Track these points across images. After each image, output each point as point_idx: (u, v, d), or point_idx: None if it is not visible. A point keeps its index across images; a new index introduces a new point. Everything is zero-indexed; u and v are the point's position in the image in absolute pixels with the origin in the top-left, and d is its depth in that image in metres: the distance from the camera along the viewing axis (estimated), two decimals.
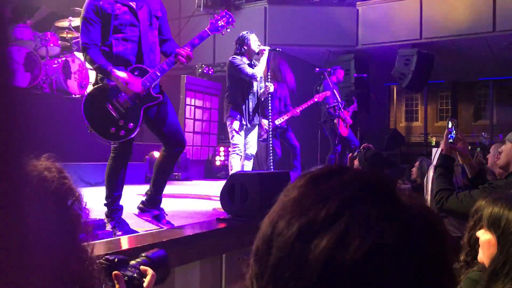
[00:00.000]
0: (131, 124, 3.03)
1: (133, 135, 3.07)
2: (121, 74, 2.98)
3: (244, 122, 4.66)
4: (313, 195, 0.56)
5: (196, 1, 8.82)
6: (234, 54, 4.76)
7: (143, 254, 1.41)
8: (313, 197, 0.56)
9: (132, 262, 1.35)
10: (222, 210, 3.49)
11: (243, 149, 4.69)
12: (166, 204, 3.54)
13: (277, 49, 5.13)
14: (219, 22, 3.51)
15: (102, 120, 3.00)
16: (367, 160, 3.90)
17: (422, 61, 8.16)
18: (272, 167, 4.87)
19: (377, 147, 8.71)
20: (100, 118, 3.00)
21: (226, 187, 3.36)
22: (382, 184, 0.57)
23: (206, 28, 3.46)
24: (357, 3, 8.77)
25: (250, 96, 4.71)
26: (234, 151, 4.67)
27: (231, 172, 4.59)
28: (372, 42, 8.69)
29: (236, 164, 4.65)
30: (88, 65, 6.07)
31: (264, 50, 4.72)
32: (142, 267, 1.35)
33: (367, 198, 0.54)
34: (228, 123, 4.72)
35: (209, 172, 8.58)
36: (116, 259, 1.30)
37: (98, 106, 3.01)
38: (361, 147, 4.26)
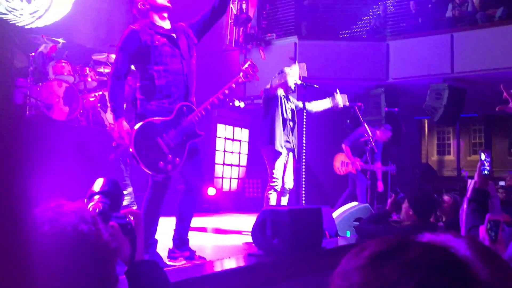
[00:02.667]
0: (178, 159, 3.07)
1: (177, 170, 3.10)
2: (124, 126, 3.01)
3: (283, 154, 4.60)
4: (379, 281, 0.49)
5: (228, 37, 9.05)
6: (273, 85, 4.79)
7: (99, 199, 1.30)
8: (378, 284, 0.49)
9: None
10: (253, 245, 3.49)
11: (281, 184, 4.64)
12: (196, 237, 3.56)
13: (315, 85, 5.06)
14: (248, 70, 3.47)
15: (151, 154, 3.01)
16: (420, 204, 3.71)
17: (454, 95, 8.09)
18: (303, 200, 4.87)
19: (409, 182, 8.60)
20: (150, 152, 3.01)
21: (258, 222, 3.37)
22: (455, 262, 0.50)
23: (239, 79, 3.45)
24: (388, 37, 8.83)
25: (287, 127, 4.69)
26: (273, 186, 4.59)
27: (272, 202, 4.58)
28: (403, 76, 8.68)
29: (274, 200, 4.59)
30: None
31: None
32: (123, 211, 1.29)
33: (441, 282, 0.48)
34: (266, 155, 4.68)
35: (239, 204, 8.60)
36: (101, 212, 1.21)
37: (148, 140, 3.02)
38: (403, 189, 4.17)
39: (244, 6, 8.93)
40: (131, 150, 2.99)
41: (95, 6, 8.61)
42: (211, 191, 7.60)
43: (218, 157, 8.44)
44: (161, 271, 1.34)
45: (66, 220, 0.90)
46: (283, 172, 4.70)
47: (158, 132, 3.04)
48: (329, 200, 7.78)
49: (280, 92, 4.73)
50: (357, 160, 6.83)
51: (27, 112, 5.99)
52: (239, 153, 8.93)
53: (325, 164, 7.08)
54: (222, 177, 8.51)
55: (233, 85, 3.37)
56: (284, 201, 4.83)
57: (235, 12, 8.89)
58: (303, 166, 4.88)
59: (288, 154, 4.73)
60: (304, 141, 4.92)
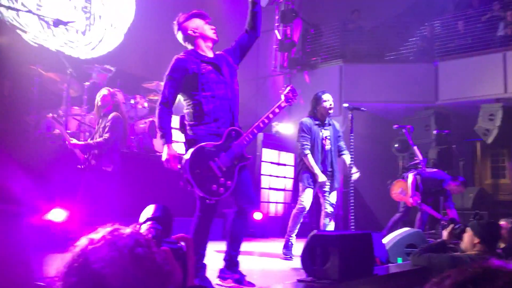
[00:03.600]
0: (229, 182, 3.16)
1: (229, 193, 3.19)
2: (172, 151, 3.12)
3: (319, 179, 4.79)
4: None
5: (273, 62, 9.15)
6: (308, 115, 5.03)
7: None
8: None
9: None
10: (301, 270, 3.43)
11: (307, 207, 4.88)
12: (243, 262, 3.54)
13: (362, 108, 5.12)
14: (289, 94, 3.63)
15: (205, 178, 3.09)
16: (486, 232, 3.55)
17: (508, 116, 7.78)
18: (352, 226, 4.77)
19: (463, 207, 8.25)
20: (203, 175, 3.09)
21: (307, 248, 3.32)
22: None
23: (281, 104, 3.59)
24: (436, 58, 8.66)
25: (319, 156, 4.88)
26: (300, 207, 4.87)
27: (291, 228, 4.87)
28: (453, 97, 8.46)
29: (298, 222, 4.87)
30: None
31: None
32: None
33: None
34: (299, 180, 4.93)
35: (285, 229, 8.50)
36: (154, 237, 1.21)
37: (201, 164, 3.10)
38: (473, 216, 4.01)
39: (288, 31, 9.03)
40: (185, 175, 3.07)
41: (145, 36, 8.95)
42: (257, 216, 7.57)
43: (264, 182, 8.44)
44: None
45: (122, 243, 0.92)
46: (323, 198, 4.94)
47: (210, 156, 3.13)
48: (377, 224, 7.60)
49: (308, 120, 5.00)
50: (417, 196, 6.50)
51: (82, 139, 6.24)
52: (284, 177, 8.90)
53: (372, 188, 6.93)
54: (268, 202, 8.48)
55: (277, 110, 3.49)
56: (331, 225, 4.86)
57: (279, 38, 8.99)
58: (351, 190, 4.81)
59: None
60: (351, 164, 4.85)
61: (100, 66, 7.00)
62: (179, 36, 3.40)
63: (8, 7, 7.45)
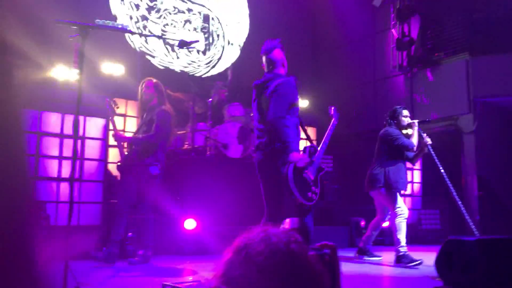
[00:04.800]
0: (317, 190, 3.73)
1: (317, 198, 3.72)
2: (297, 157, 3.54)
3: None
4: None
5: (391, 63, 8.81)
6: (389, 125, 5.24)
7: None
8: None
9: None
10: (437, 279, 3.21)
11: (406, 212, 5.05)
12: (377, 271, 3.42)
13: (427, 119, 5.60)
14: (336, 113, 4.58)
15: (303, 186, 3.58)
16: None
17: None
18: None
19: None
20: (301, 185, 3.56)
21: (442, 254, 3.10)
22: None
23: (333, 123, 4.52)
24: None
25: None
26: (401, 215, 4.97)
27: (399, 236, 4.88)
28: None
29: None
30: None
31: (415, 123, 5.14)
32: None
33: None
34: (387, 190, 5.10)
35: (415, 236, 8.07)
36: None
37: (299, 175, 3.57)
38: None
39: (406, 29, 8.64)
40: (290, 184, 3.48)
41: (259, 48, 9.19)
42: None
43: None
44: None
45: (277, 239, 0.97)
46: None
47: (303, 169, 3.63)
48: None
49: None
50: None
51: (208, 153, 6.58)
52: (412, 182, 8.47)
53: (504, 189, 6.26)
54: None
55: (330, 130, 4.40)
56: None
57: (396, 36, 8.64)
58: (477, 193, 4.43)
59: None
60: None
61: (220, 82, 7.33)
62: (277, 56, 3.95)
63: (140, 34, 8.20)
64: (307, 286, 0.94)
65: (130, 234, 5.28)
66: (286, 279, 0.91)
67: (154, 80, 5.01)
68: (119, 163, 4.81)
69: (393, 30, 8.78)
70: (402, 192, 5.17)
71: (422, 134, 5.17)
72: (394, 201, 5.01)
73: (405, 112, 5.25)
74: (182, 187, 6.12)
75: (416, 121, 5.21)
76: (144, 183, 4.67)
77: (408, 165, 5.37)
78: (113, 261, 4.55)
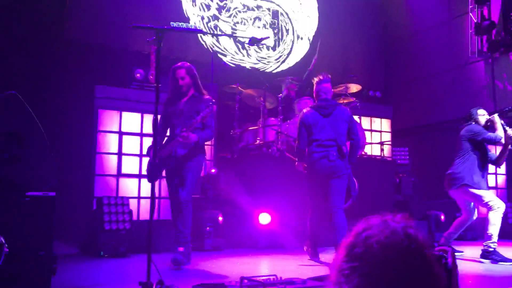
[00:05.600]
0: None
1: None
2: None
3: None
4: None
5: (470, 48, 8.36)
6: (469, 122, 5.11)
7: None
8: None
9: None
10: None
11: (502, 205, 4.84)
12: (460, 266, 3.29)
13: (506, 109, 5.28)
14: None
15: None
16: None
17: None
18: None
19: None
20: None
21: None
22: None
23: None
24: None
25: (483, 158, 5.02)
26: (497, 209, 4.78)
27: (491, 230, 4.68)
28: None
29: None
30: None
31: (494, 117, 5.01)
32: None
33: None
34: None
35: (501, 231, 7.61)
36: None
37: None
38: None
39: (485, 12, 8.16)
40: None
41: (331, 42, 9.09)
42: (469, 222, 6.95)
43: None
44: None
45: (394, 224, 1.06)
46: None
47: None
48: None
49: None
50: None
51: (279, 146, 6.62)
52: (496, 173, 8.01)
53: None
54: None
55: None
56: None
57: (475, 21, 8.18)
58: None
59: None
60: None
61: (290, 77, 7.34)
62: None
63: (212, 34, 8.43)
64: (422, 271, 1.01)
65: (208, 228, 5.46)
66: (404, 259, 0.99)
67: (187, 64, 4.44)
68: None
69: (471, 14, 8.32)
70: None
71: (505, 127, 4.91)
72: (479, 197, 4.83)
73: (481, 111, 5.13)
74: (254, 182, 6.22)
75: (495, 114, 5.04)
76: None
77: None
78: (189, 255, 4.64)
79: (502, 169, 8.07)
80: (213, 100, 4.29)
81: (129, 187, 6.29)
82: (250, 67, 8.38)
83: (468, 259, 4.90)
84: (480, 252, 4.74)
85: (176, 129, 4.31)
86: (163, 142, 4.45)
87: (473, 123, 5.07)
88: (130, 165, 6.34)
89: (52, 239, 2.47)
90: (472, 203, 5.01)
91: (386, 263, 0.98)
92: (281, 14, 8.88)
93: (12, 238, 2.25)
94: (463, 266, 4.48)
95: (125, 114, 6.37)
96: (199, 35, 7.94)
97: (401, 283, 0.98)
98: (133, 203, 5.98)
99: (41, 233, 2.46)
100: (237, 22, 8.37)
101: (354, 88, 7.56)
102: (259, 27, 8.59)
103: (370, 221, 1.08)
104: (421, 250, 1.03)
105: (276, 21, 8.82)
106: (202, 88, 4.45)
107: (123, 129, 6.34)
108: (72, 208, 5.84)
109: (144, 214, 6.19)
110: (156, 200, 6.18)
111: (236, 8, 8.40)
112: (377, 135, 9.28)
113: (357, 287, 0.97)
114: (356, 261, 1.00)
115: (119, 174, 6.25)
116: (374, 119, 9.32)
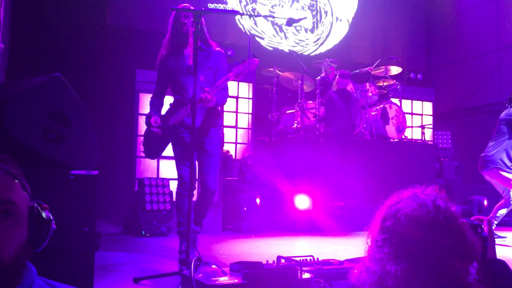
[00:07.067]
0: None
1: None
2: None
3: None
4: None
5: None
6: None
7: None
8: None
9: None
10: None
11: None
12: (502, 252, 3.20)
13: None
14: None
15: None
16: None
17: None
18: None
19: None
20: None
21: None
22: None
23: None
24: None
25: None
26: None
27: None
28: None
29: None
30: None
31: None
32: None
33: None
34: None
35: None
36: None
37: None
38: None
39: None
40: None
41: (371, 24, 8.90)
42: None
43: None
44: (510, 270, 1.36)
45: (424, 197, 1.12)
46: None
47: None
48: None
49: None
50: None
51: (317, 131, 6.59)
52: None
53: None
54: None
55: None
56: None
57: None
58: None
59: None
60: None
61: (329, 59, 7.25)
62: None
63: (249, 15, 8.41)
64: (451, 240, 1.07)
65: (245, 209, 5.53)
66: (431, 230, 1.05)
67: (192, 8, 3.33)
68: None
69: None
70: None
71: None
72: (510, 180, 4.84)
73: None
74: (292, 166, 6.22)
75: None
76: None
77: None
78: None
79: None
80: (225, 53, 3.56)
81: (169, 168, 6.41)
82: (288, 50, 8.32)
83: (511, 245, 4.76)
84: None
85: (188, 89, 3.42)
86: (166, 107, 3.67)
87: None
88: (170, 147, 6.45)
89: (96, 216, 2.57)
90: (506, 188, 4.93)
91: (412, 235, 1.04)
92: None
93: (58, 215, 2.35)
94: (506, 253, 4.35)
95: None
96: (237, 18, 7.93)
97: (429, 252, 1.02)
98: (173, 185, 6.11)
99: (85, 210, 2.55)
100: (275, 5, 8.30)
101: (395, 70, 7.38)
102: (297, 9, 8.50)
103: (401, 194, 1.13)
104: (450, 220, 1.08)
105: (314, 3, 8.69)
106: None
107: (163, 112, 6.44)
108: (115, 190, 6.03)
109: None
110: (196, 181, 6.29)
111: None
112: (418, 118, 9.07)
113: (388, 255, 1.03)
114: (386, 233, 1.06)
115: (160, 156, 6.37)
116: (415, 102, 9.10)
